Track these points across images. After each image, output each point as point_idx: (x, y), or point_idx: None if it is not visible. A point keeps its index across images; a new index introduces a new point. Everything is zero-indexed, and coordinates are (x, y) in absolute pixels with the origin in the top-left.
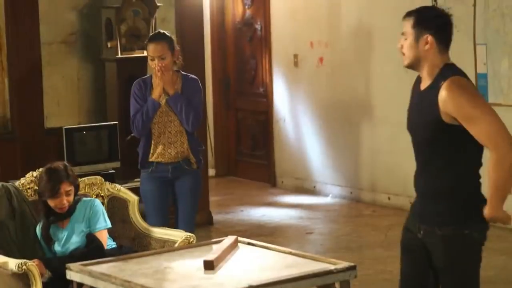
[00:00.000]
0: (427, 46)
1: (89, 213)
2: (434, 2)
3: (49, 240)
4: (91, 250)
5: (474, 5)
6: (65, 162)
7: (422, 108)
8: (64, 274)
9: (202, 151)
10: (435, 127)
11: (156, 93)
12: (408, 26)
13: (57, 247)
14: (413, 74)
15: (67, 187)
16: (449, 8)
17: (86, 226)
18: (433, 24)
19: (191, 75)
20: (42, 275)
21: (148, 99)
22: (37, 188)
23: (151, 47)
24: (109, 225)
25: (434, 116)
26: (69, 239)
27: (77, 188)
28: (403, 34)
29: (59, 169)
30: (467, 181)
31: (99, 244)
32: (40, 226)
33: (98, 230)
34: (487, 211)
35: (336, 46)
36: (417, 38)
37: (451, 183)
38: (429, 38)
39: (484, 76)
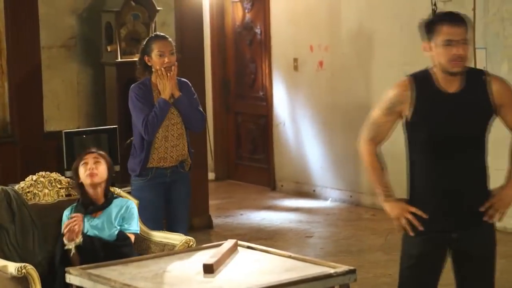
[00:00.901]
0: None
1: (125, 212)
2: (434, 6)
3: None
4: (123, 244)
5: (474, 9)
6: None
7: (467, 108)
8: (91, 254)
9: (193, 153)
10: (487, 119)
11: (166, 94)
12: (465, 31)
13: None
14: None
15: (93, 156)
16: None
17: (119, 223)
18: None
19: (182, 79)
20: (76, 235)
21: (158, 100)
22: (36, 191)
23: (159, 43)
24: (138, 231)
25: (488, 111)
26: (100, 229)
27: (110, 171)
28: (463, 40)
29: (93, 148)
30: (488, 174)
31: (131, 243)
32: (71, 210)
33: (129, 232)
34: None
35: (336, 50)
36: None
37: (484, 176)
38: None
39: None
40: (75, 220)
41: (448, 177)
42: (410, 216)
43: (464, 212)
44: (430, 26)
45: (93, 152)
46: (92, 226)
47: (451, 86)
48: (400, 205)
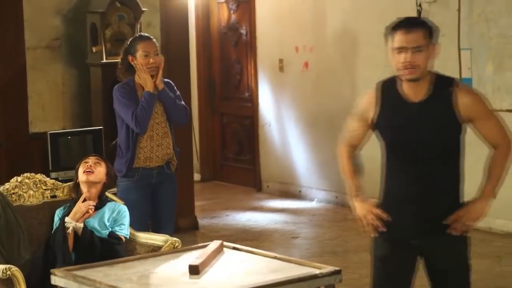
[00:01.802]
0: (434, 55)
1: (117, 215)
2: (419, 7)
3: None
4: (116, 242)
5: (459, 10)
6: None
7: (432, 117)
8: (89, 246)
9: (178, 152)
10: (452, 131)
11: (149, 86)
12: (419, 38)
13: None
14: None
15: (95, 158)
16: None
17: (110, 225)
18: (437, 32)
19: (165, 79)
20: (82, 218)
21: (143, 93)
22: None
23: (144, 44)
24: (128, 237)
25: (453, 122)
26: (93, 229)
27: (108, 172)
28: (415, 48)
29: (95, 154)
30: (460, 185)
31: (123, 243)
32: (63, 210)
33: (120, 234)
34: (485, 204)
35: (321, 51)
36: (430, 49)
37: (455, 187)
38: (437, 46)
39: (469, 81)
40: (91, 207)
41: (411, 184)
42: (371, 217)
43: (425, 220)
44: (388, 33)
45: (96, 155)
46: (85, 225)
47: (416, 94)
48: (366, 205)
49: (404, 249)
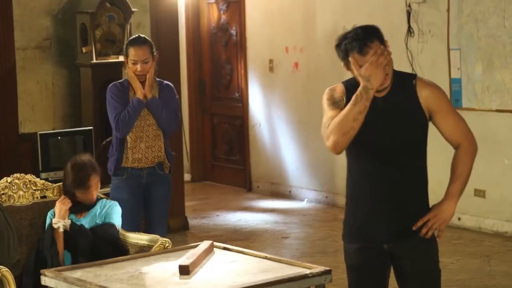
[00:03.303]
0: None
1: (107, 209)
2: (408, 8)
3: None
4: (108, 227)
5: (448, 11)
6: (89, 155)
7: (397, 111)
8: (81, 236)
9: (173, 156)
10: (420, 126)
11: (139, 93)
12: (376, 46)
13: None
14: None
15: (95, 179)
16: (424, 13)
17: (101, 220)
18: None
19: (165, 82)
20: (63, 215)
21: (132, 99)
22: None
23: (134, 51)
24: (120, 226)
25: (418, 115)
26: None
27: (101, 181)
28: (380, 58)
29: (86, 163)
30: (427, 185)
31: (116, 228)
32: (53, 214)
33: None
34: (452, 205)
35: (311, 51)
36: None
37: (424, 185)
38: (389, 47)
39: (458, 81)
40: (65, 201)
41: (380, 185)
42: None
43: (394, 223)
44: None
45: (95, 173)
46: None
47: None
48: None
49: (375, 254)
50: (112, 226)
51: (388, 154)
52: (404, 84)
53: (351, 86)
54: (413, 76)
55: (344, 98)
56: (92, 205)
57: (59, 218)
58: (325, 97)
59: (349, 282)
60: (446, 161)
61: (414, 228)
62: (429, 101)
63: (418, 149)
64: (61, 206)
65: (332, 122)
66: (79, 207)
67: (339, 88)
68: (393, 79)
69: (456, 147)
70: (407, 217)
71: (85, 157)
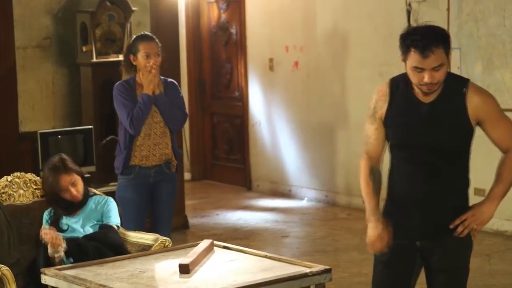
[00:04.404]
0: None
1: (104, 207)
2: (408, 7)
3: (58, 229)
4: (107, 231)
5: (448, 10)
6: (62, 155)
7: (443, 118)
8: (81, 251)
9: (181, 154)
10: (465, 134)
11: (149, 89)
12: (439, 57)
13: (66, 235)
14: (387, 78)
15: (67, 179)
16: (424, 13)
17: (99, 219)
18: (450, 39)
19: (169, 79)
20: (57, 247)
21: (142, 95)
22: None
23: (146, 44)
24: (119, 224)
25: (463, 123)
26: (80, 225)
27: (81, 176)
28: (435, 67)
29: (57, 165)
30: (468, 185)
31: (115, 230)
32: (50, 213)
33: (110, 223)
34: (493, 207)
35: (311, 50)
36: (448, 60)
37: (462, 189)
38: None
39: None
40: (50, 236)
41: (417, 185)
42: (378, 246)
43: (431, 222)
44: (402, 46)
45: (65, 173)
46: (72, 222)
47: (425, 95)
48: (376, 231)
49: (407, 251)
50: (112, 230)
51: (427, 156)
52: (454, 91)
53: (396, 85)
54: (464, 83)
55: (386, 101)
56: (83, 202)
57: (53, 249)
58: (371, 101)
59: (377, 278)
60: (491, 164)
61: (451, 226)
62: (478, 111)
63: (459, 153)
64: (49, 238)
65: (361, 174)
66: (70, 207)
67: (383, 90)
68: (444, 83)
69: (505, 151)
70: (443, 218)
71: (55, 159)
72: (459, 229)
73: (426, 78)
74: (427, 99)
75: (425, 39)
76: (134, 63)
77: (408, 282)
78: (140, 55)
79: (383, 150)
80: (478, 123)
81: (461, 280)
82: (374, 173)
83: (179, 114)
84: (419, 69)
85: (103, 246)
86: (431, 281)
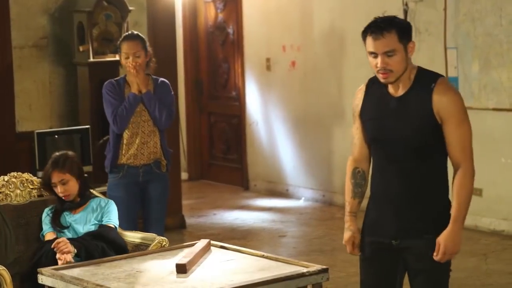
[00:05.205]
0: (411, 53)
1: (104, 208)
2: (405, 6)
3: (58, 225)
4: (109, 230)
5: (445, 9)
6: (69, 152)
7: (409, 112)
8: (89, 251)
9: (171, 153)
10: (431, 129)
11: (134, 88)
12: (392, 41)
13: (67, 234)
14: None
15: (57, 177)
16: (420, 11)
17: (98, 219)
18: (411, 29)
19: (161, 79)
20: (67, 253)
21: (128, 94)
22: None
23: (126, 45)
24: (117, 225)
25: (429, 119)
26: (80, 223)
27: (79, 178)
28: (385, 53)
29: (56, 159)
30: (445, 185)
31: (115, 230)
32: (50, 210)
33: (109, 223)
34: (452, 240)
35: (309, 50)
36: (405, 50)
37: (437, 186)
38: (412, 44)
39: (455, 79)
40: (63, 245)
41: (389, 183)
42: (349, 249)
43: (403, 222)
44: (362, 35)
45: (57, 170)
46: (72, 221)
47: (397, 89)
48: (349, 234)
49: (387, 250)
50: (113, 231)
51: (399, 152)
52: (423, 85)
53: (372, 83)
54: (434, 79)
55: (362, 98)
56: (85, 201)
57: (63, 258)
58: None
59: (361, 275)
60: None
61: (432, 255)
62: (441, 108)
63: (430, 150)
64: (66, 250)
65: (346, 174)
66: (72, 204)
67: (361, 89)
68: (415, 79)
69: (455, 166)
70: (416, 216)
71: (60, 154)
72: (438, 259)
73: (378, 63)
74: (396, 93)
75: (378, 24)
76: (121, 62)
77: (393, 280)
78: (122, 55)
79: (369, 151)
80: (441, 122)
81: (441, 280)
82: (355, 175)
83: (165, 111)
84: (373, 54)
85: (107, 247)
86: (411, 282)
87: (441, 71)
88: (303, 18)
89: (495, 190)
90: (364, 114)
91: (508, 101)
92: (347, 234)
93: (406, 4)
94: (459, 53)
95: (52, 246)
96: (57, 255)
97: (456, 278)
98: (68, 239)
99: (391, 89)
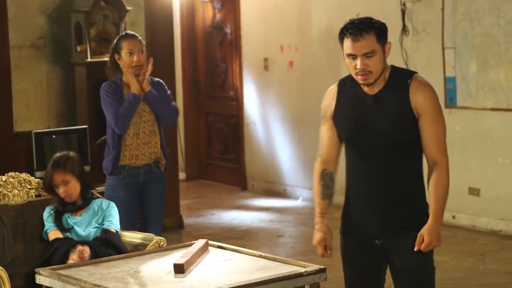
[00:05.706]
0: (388, 54)
1: (106, 211)
2: (403, 6)
3: (60, 227)
4: (112, 235)
5: (443, 9)
6: (70, 153)
7: (386, 107)
8: (98, 257)
9: (168, 152)
10: (408, 124)
11: (134, 88)
12: (372, 42)
13: (69, 235)
14: None
15: (60, 177)
16: (418, 12)
17: (100, 222)
18: (387, 30)
19: (156, 79)
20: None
21: (128, 94)
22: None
23: (129, 42)
24: (119, 230)
25: (407, 114)
26: (82, 226)
27: (80, 179)
28: (364, 54)
29: (57, 160)
30: (423, 183)
31: (118, 235)
32: (52, 210)
33: (111, 228)
34: (434, 234)
35: (306, 50)
36: (383, 50)
37: (416, 184)
38: (389, 44)
39: (453, 79)
40: (86, 254)
41: (371, 182)
42: (319, 251)
43: (385, 220)
44: (339, 37)
45: (58, 170)
46: (74, 223)
47: (373, 87)
48: (319, 236)
49: (369, 250)
50: (114, 235)
51: (376, 150)
52: (399, 83)
53: (343, 83)
54: (409, 76)
55: (334, 99)
56: (87, 203)
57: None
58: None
59: (345, 277)
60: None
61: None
62: (418, 103)
63: (409, 147)
64: (84, 258)
65: (314, 176)
66: (74, 207)
67: (332, 90)
68: (390, 76)
69: (431, 163)
70: (398, 214)
71: (61, 154)
72: (423, 248)
73: (358, 64)
74: (372, 91)
75: (356, 26)
76: (119, 62)
77: (378, 279)
78: (124, 53)
79: (338, 152)
80: (418, 117)
81: (426, 279)
82: (324, 177)
83: (171, 108)
84: (352, 56)
85: (113, 254)
86: (395, 280)
87: (439, 71)
88: (301, 18)
89: (493, 190)
90: (338, 115)
91: (506, 101)
92: (318, 236)
93: (404, 4)
94: (457, 53)
95: (77, 256)
96: (74, 257)
97: (454, 278)
98: (76, 241)
99: (365, 88)
